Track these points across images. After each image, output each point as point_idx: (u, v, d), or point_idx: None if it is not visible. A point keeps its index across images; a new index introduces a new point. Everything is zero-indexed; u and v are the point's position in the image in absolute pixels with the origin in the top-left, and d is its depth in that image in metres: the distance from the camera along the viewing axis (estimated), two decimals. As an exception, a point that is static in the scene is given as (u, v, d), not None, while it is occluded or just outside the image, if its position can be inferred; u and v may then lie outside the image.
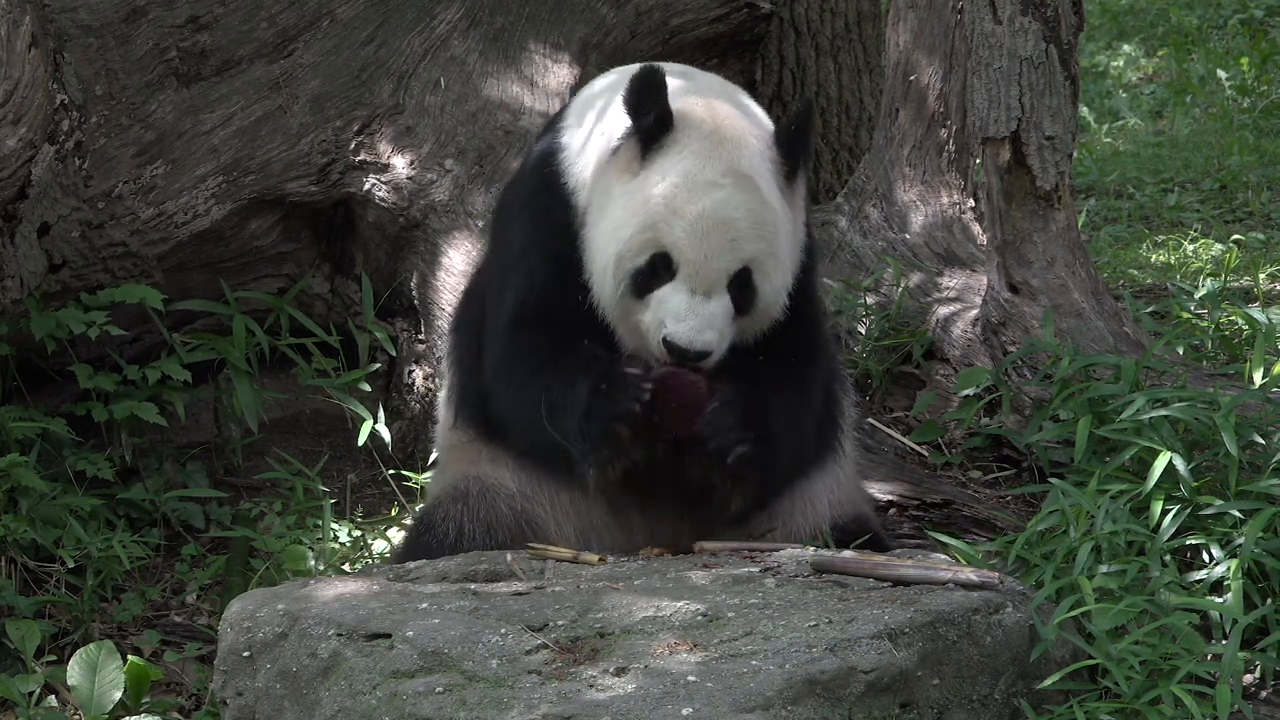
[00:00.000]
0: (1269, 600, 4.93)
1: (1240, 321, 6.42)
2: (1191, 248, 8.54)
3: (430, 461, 6.13)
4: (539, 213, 5.31)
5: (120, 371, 6.19)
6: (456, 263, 6.50)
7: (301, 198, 6.57)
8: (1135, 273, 8.21)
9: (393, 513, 6.30)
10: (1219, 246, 8.44)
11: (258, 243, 6.58)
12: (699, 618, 4.62)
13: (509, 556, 5.07)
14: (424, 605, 4.71)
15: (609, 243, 5.13)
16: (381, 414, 6.39)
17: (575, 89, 6.30)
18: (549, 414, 5.12)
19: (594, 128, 5.29)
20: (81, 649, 5.35)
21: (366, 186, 6.59)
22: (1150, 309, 6.79)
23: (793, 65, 7.88)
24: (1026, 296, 6.10)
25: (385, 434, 6.36)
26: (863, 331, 6.72)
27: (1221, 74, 11.84)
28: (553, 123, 5.53)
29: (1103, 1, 13.79)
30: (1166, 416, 5.28)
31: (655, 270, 5.11)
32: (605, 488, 5.17)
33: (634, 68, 5.21)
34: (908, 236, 6.99)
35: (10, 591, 5.61)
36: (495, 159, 6.66)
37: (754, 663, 4.42)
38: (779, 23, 7.79)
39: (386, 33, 6.72)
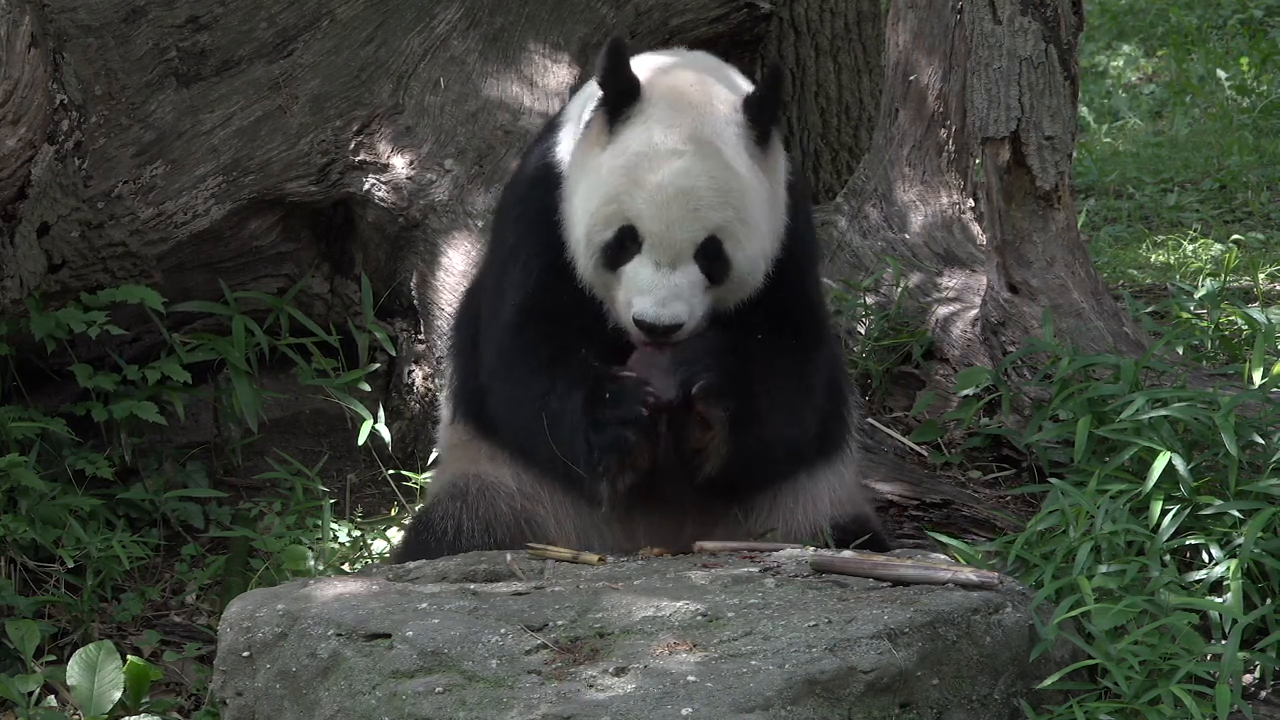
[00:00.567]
0: (1268, 600, 4.93)
1: (1240, 321, 6.42)
2: (1191, 248, 8.54)
3: (431, 460, 6.13)
4: (533, 206, 5.29)
5: (120, 371, 6.19)
6: (456, 263, 6.50)
7: (301, 198, 6.57)
8: (1135, 273, 8.22)
9: (392, 513, 6.30)
10: (1218, 246, 8.44)
11: (257, 243, 6.58)
12: (699, 618, 4.62)
13: (509, 556, 5.06)
14: (423, 605, 4.71)
15: (581, 218, 5.11)
16: (381, 414, 6.39)
17: (575, 89, 6.31)
18: (550, 424, 5.08)
19: (582, 119, 5.28)
20: (81, 649, 5.34)
21: (366, 186, 6.59)
22: (1150, 309, 6.79)
23: (792, 65, 7.88)
24: (1026, 296, 6.10)
25: (385, 434, 6.36)
26: (862, 331, 6.72)
27: (1221, 74, 11.84)
28: (550, 122, 5.54)
29: (1102, 1, 13.79)
30: (1166, 416, 5.28)
31: (623, 244, 5.06)
32: (615, 501, 5.09)
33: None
34: (907, 236, 6.99)
35: (10, 591, 5.61)
36: (495, 159, 6.66)
37: (754, 663, 4.42)
38: (779, 23, 7.80)
39: (386, 33, 6.72)
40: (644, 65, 5.20)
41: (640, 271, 5.04)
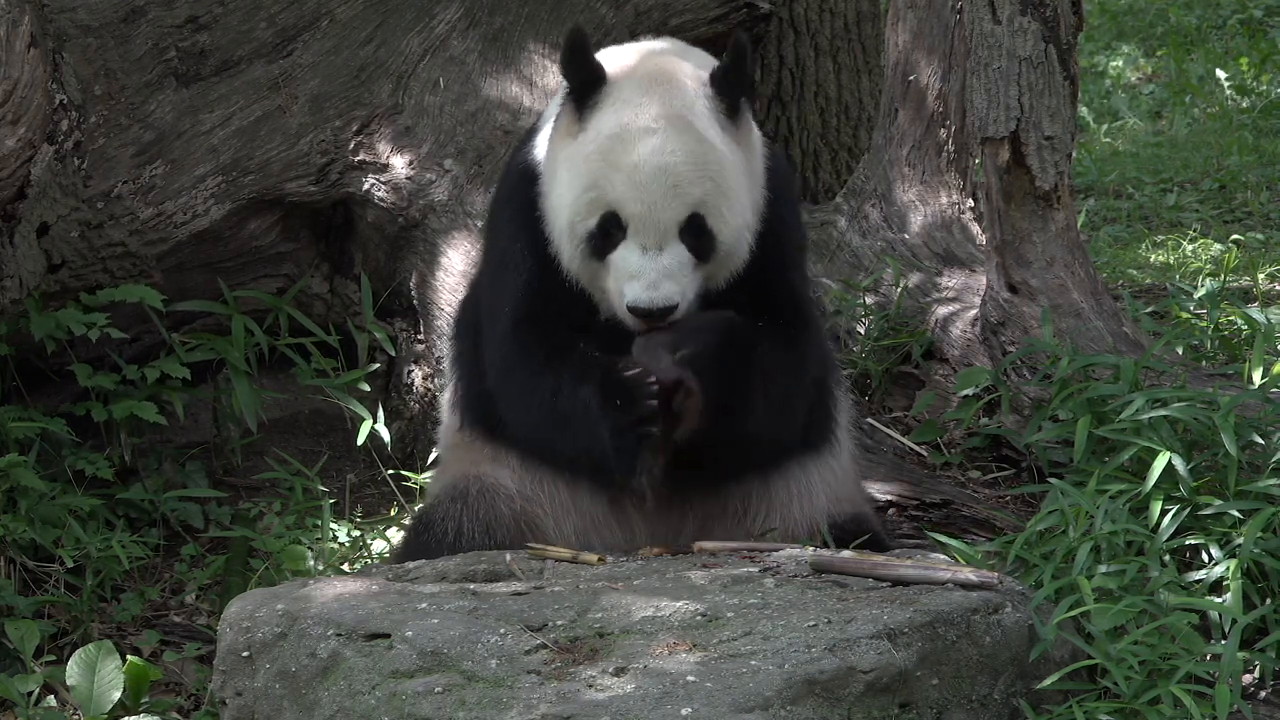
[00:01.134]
0: (1268, 600, 4.93)
1: (1239, 321, 6.41)
2: (1190, 248, 8.54)
3: (430, 461, 6.13)
4: (518, 208, 5.28)
5: (119, 371, 6.19)
6: (456, 263, 6.50)
7: (301, 198, 6.57)
8: (1135, 273, 8.21)
9: (392, 513, 6.30)
10: (1218, 246, 8.44)
11: (257, 243, 6.58)
12: (698, 618, 4.62)
13: (508, 556, 5.07)
14: (423, 605, 4.71)
15: (561, 210, 5.10)
16: (381, 414, 6.38)
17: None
18: (565, 424, 5.06)
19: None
20: (81, 649, 5.34)
21: (365, 186, 6.59)
22: (1150, 309, 6.79)
23: (792, 65, 7.88)
24: (1026, 296, 6.10)
25: (384, 434, 6.36)
26: (862, 332, 6.72)
27: (1221, 74, 11.84)
28: (530, 127, 5.55)
29: (1102, 1, 13.79)
30: (1166, 416, 5.28)
31: (607, 231, 5.05)
32: (654, 486, 5.06)
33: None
34: (907, 236, 6.99)
35: (9, 591, 5.61)
36: (494, 159, 6.66)
37: (753, 663, 4.42)
38: (778, 23, 7.79)
39: (386, 33, 6.72)
40: (607, 55, 5.21)
41: (628, 257, 5.03)
